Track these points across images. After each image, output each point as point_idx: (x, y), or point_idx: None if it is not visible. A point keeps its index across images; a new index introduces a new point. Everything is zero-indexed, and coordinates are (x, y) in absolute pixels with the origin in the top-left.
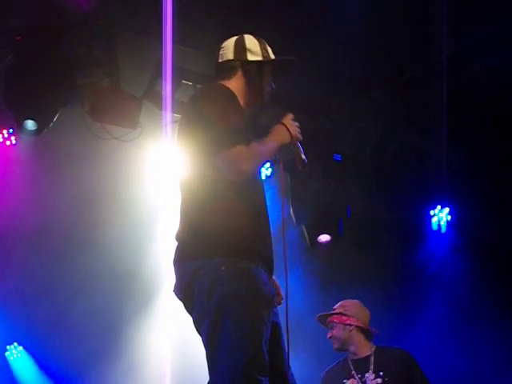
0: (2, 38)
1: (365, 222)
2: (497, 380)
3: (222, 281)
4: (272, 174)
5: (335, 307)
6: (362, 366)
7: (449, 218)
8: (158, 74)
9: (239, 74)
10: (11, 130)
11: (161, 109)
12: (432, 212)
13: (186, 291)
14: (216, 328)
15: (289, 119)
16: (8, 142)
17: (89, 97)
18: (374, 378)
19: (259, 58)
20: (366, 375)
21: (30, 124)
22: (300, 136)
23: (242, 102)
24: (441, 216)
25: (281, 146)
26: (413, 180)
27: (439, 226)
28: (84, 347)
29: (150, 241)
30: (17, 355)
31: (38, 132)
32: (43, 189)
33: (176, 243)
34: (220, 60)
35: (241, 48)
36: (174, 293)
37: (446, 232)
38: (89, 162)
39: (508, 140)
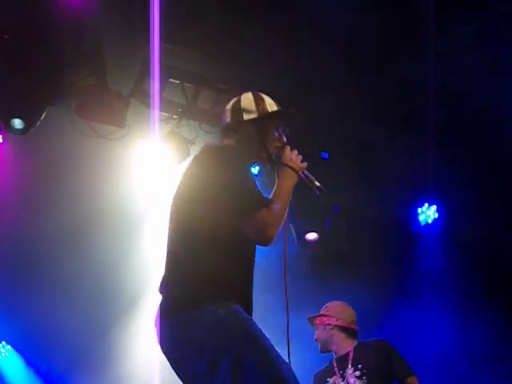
0: None
1: (352, 220)
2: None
3: (227, 321)
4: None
5: (310, 316)
6: (343, 362)
7: (436, 215)
8: (146, 72)
9: (239, 135)
10: None
11: (148, 107)
12: (419, 210)
13: (187, 344)
14: (239, 363)
15: (288, 155)
16: None
17: (75, 95)
18: (353, 372)
19: (254, 116)
20: (346, 370)
21: (17, 122)
22: (305, 164)
23: (248, 159)
24: (428, 214)
25: (293, 188)
26: (400, 178)
27: (426, 223)
28: (72, 346)
29: (136, 240)
30: (5, 354)
31: (25, 130)
32: (30, 187)
33: (164, 296)
34: (222, 124)
35: (237, 109)
36: (162, 349)
37: (433, 229)
38: (76, 160)
39: (495, 136)
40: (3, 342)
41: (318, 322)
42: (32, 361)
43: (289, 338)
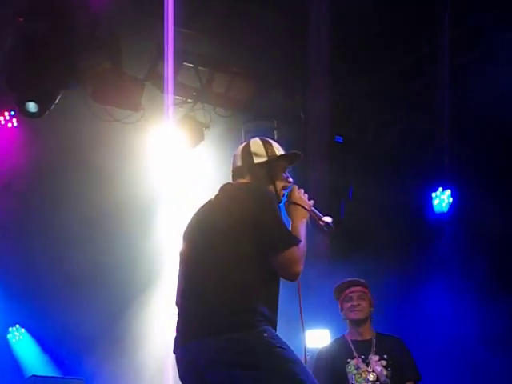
0: (3, 20)
1: (366, 203)
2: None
3: (272, 344)
4: None
5: (358, 280)
6: (364, 348)
7: (450, 200)
8: (160, 56)
9: (249, 177)
10: (13, 113)
11: (163, 91)
12: (434, 194)
13: (235, 364)
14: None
15: (297, 194)
16: (10, 125)
17: (90, 79)
18: (379, 360)
19: (264, 159)
20: (370, 357)
21: (32, 106)
22: (312, 202)
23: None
24: (442, 198)
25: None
26: (415, 162)
27: (441, 208)
28: (85, 329)
29: (150, 223)
30: (19, 337)
31: (39, 114)
32: (44, 171)
33: (205, 313)
34: (233, 167)
35: (247, 153)
36: (190, 366)
37: (447, 214)
38: (90, 144)
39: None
40: (17, 326)
41: (367, 293)
42: (45, 344)
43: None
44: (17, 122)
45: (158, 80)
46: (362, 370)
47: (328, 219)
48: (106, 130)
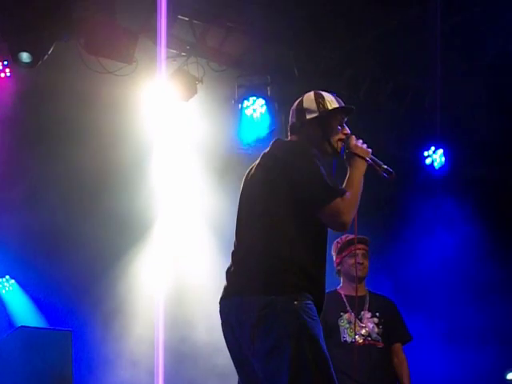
0: None
1: None
2: None
3: (298, 314)
4: None
5: (364, 237)
6: (357, 303)
7: (443, 159)
8: (154, 8)
9: (303, 133)
10: (6, 62)
11: (156, 44)
12: (426, 153)
13: (258, 324)
14: (300, 352)
15: (354, 144)
16: (2, 74)
17: (84, 30)
18: (371, 317)
19: (316, 114)
20: (362, 313)
21: (25, 56)
22: (370, 150)
23: (317, 153)
24: (435, 157)
25: (364, 175)
26: (407, 121)
27: (433, 166)
28: (76, 280)
29: (143, 174)
30: (9, 288)
31: (32, 64)
32: (36, 122)
33: (241, 272)
34: (289, 124)
35: (300, 110)
36: (227, 319)
37: (439, 173)
38: (83, 95)
39: (503, 80)
40: (7, 277)
41: (368, 249)
42: (35, 295)
43: None
44: (10, 72)
45: (151, 33)
46: (354, 324)
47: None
48: (99, 83)
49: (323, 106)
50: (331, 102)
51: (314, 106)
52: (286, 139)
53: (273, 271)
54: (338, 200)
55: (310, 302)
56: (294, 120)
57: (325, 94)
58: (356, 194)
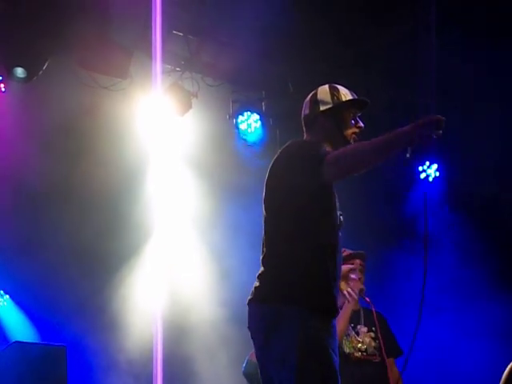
0: None
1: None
2: None
3: (305, 325)
4: None
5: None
6: (353, 317)
7: (437, 174)
8: (149, 23)
9: (317, 125)
10: (0, 78)
11: (151, 59)
12: (420, 168)
13: (267, 332)
14: (305, 364)
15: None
16: None
17: (79, 46)
18: (368, 332)
19: (329, 106)
20: (358, 327)
21: (20, 71)
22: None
23: (329, 148)
24: (429, 172)
25: (403, 143)
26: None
27: (428, 181)
28: (71, 294)
29: (138, 190)
30: (3, 303)
31: (27, 79)
32: (31, 136)
33: (259, 278)
34: (302, 115)
35: (314, 102)
36: (249, 327)
37: (434, 188)
38: (77, 110)
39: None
40: (1, 292)
41: (363, 265)
42: (30, 311)
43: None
44: (4, 87)
45: (146, 48)
46: (352, 337)
47: None
48: (94, 98)
49: (337, 97)
50: (346, 94)
51: (328, 97)
52: (294, 141)
53: (283, 281)
54: (336, 151)
55: (318, 312)
56: (307, 112)
57: (340, 86)
58: (373, 145)
